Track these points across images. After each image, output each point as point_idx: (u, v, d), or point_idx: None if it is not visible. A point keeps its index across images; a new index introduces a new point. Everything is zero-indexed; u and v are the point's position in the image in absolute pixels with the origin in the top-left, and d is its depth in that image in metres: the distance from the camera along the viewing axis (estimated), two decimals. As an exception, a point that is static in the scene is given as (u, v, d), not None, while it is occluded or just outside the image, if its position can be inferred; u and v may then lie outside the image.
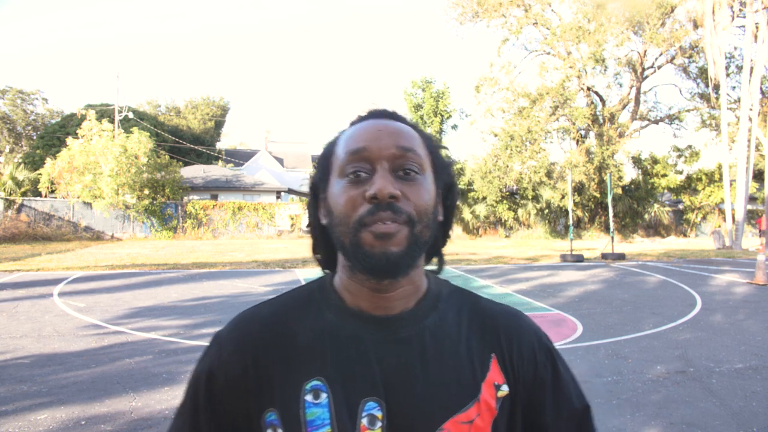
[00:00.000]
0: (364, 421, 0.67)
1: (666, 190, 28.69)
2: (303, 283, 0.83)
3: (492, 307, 0.80)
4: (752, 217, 28.01)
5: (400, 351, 0.71)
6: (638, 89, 27.07)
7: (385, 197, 0.66)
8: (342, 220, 0.69)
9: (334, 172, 0.73)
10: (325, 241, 0.77)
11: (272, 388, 0.70)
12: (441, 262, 0.82)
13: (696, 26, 22.33)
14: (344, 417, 0.67)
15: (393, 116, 0.76)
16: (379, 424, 0.67)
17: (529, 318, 0.81)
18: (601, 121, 26.07)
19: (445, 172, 0.78)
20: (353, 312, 0.73)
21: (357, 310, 0.73)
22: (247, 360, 0.71)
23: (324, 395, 0.68)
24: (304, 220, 25.97)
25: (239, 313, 0.78)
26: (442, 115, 25.75)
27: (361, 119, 0.76)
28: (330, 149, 0.76)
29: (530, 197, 25.84)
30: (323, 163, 0.76)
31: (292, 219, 25.38)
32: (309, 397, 0.68)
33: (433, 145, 0.78)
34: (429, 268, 0.81)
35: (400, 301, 0.73)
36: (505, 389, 0.73)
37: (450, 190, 0.79)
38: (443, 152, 0.80)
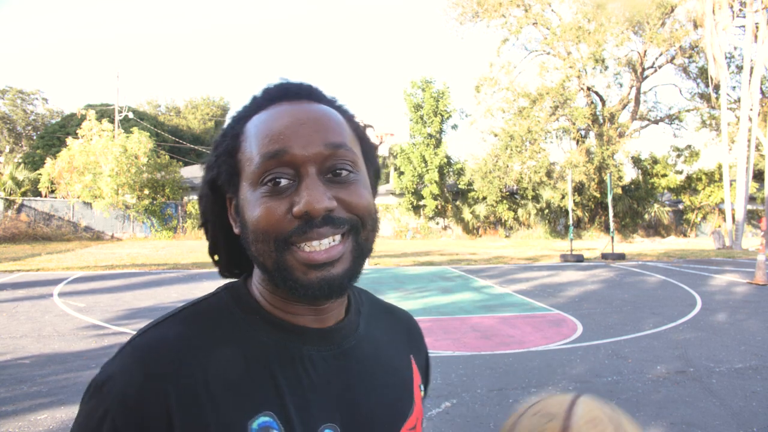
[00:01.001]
0: None
1: (666, 190, 28.70)
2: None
3: (393, 306, 0.78)
4: (752, 217, 28.01)
5: (346, 366, 0.62)
6: (638, 89, 27.09)
7: (320, 213, 0.54)
8: (260, 236, 0.56)
9: (246, 176, 0.58)
10: (227, 245, 0.66)
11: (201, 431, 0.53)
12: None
13: (696, 26, 22.34)
14: None
15: (311, 94, 0.62)
16: None
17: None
18: (601, 121, 26.08)
19: (374, 155, 0.67)
20: (289, 327, 0.61)
21: (292, 325, 0.61)
22: (158, 405, 0.53)
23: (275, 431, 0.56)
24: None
25: (129, 344, 0.59)
26: (442, 115, 25.74)
27: (270, 99, 0.61)
28: (235, 142, 0.61)
29: (530, 197, 25.84)
30: (229, 161, 0.61)
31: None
32: None
33: (359, 127, 0.66)
34: None
35: (335, 310, 0.64)
36: (422, 389, 0.72)
37: (376, 176, 0.69)
38: (369, 132, 0.68)
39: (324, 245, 0.55)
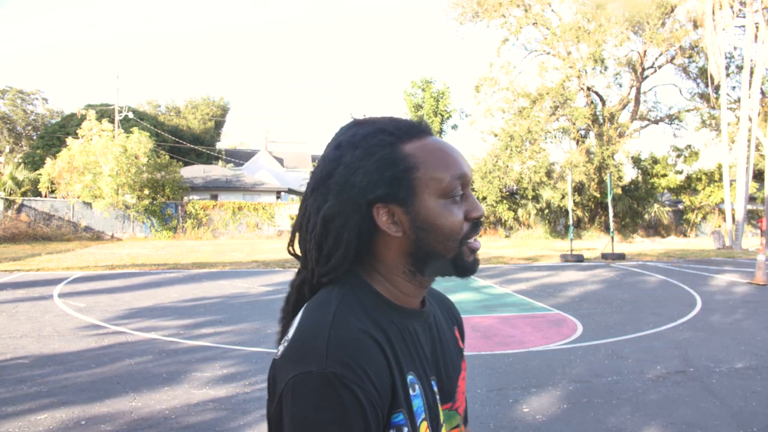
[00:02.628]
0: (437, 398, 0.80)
1: (666, 190, 28.69)
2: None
3: (435, 291, 1.01)
4: (752, 217, 28.01)
5: (433, 335, 0.85)
6: (638, 89, 27.08)
7: (482, 217, 0.81)
8: (449, 236, 0.77)
9: (431, 190, 0.77)
10: (350, 253, 0.78)
11: (395, 390, 0.71)
12: None
13: (696, 26, 22.34)
14: (430, 400, 0.77)
15: (430, 129, 0.85)
16: (437, 396, 0.80)
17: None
18: (601, 121, 26.08)
19: None
20: (403, 311, 0.81)
21: (405, 308, 0.81)
22: (371, 376, 0.67)
23: (417, 386, 0.76)
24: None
25: (324, 334, 0.69)
26: (442, 115, 25.75)
27: (412, 133, 0.80)
28: (406, 162, 0.76)
29: (530, 197, 25.84)
30: (407, 177, 0.76)
31: (292, 219, 25.36)
32: (410, 391, 0.75)
33: None
34: None
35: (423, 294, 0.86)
36: (463, 352, 0.94)
37: None
38: None
39: (478, 241, 0.82)
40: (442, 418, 0.80)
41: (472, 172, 0.83)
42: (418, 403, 0.74)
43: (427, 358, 0.81)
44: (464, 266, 0.80)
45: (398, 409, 0.71)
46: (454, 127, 27.08)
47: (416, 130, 0.81)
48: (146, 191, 23.70)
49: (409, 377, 0.75)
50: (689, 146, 28.34)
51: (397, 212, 0.77)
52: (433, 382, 0.80)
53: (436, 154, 0.78)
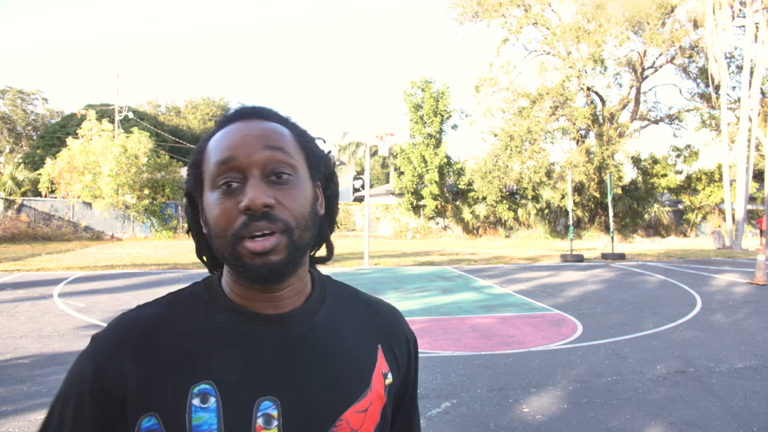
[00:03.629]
0: (260, 421, 0.67)
1: (666, 190, 28.69)
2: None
3: (371, 300, 0.85)
4: (752, 217, 28.01)
5: (294, 348, 0.71)
6: (638, 89, 27.09)
7: (259, 208, 0.65)
8: (218, 233, 0.68)
9: (207, 182, 0.71)
10: (208, 246, 0.76)
11: (151, 392, 0.66)
12: (329, 250, 0.84)
13: (696, 26, 22.35)
14: (234, 420, 0.66)
15: (260, 114, 0.74)
16: (275, 422, 0.67)
17: (399, 311, 0.88)
18: (601, 121, 26.08)
19: (321, 164, 0.78)
20: (244, 312, 0.72)
21: (248, 310, 0.72)
22: (126, 363, 0.67)
23: (212, 399, 0.66)
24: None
25: (119, 315, 0.73)
26: (442, 115, 25.73)
27: (226, 121, 0.73)
28: (199, 157, 0.74)
29: (530, 197, 25.84)
30: (195, 172, 0.74)
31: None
32: (196, 402, 0.66)
33: (305, 140, 0.76)
34: (320, 254, 0.84)
35: (290, 298, 0.74)
36: (390, 377, 0.78)
37: (329, 181, 0.80)
38: (318, 144, 0.79)
39: (262, 237, 0.66)
40: None
41: (252, 155, 0.67)
42: (206, 418, 0.65)
43: (263, 372, 0.69)
44: (245, 270, 0.67)
45: (147, 413, 0.66)
46: (454, 127, 27.06)
47: (229, 118, 0.74)
48: (146, 191, 23.68)
49: (201, 386, 0.66)
50: (689, 146, 28.36)
51: (201, 209, 0.74)
52: (266, 403, 0.67)
53: (217, 141, 0.71)
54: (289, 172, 0.69)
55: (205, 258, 0.80)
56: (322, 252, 0.83)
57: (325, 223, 0.80)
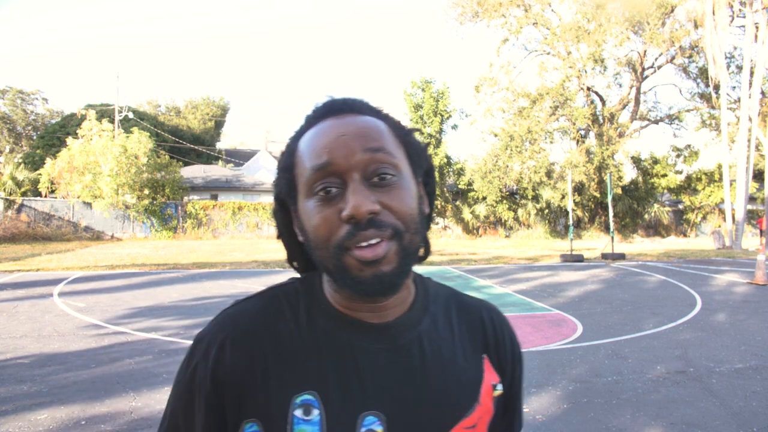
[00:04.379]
0: None
1: (666, 190, 28.69)
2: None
3: (474, 303, 0.78)
4: (752, 217, 28.01)
5: (399, 359, 0.66)
6: (638, 89, 27.08)
7: (364, 216, 0.59)
8: (319, 243, 0.62)
9: (301, 188, 0.65)
10: (302, 252, 0.72)
11: (255, 398, 0.63)
12: (427, 248, 0.75)
13: (696, 26, 22.33)
14: None
15: (353, 107, 0.67)
16: None
17: (505, 316, 0.79)
18: (601, 121, 26.08)
19: (421, 157, 0.71)
20: (346, 319, 0.67)
21: (350, 318, 0.67)
22: (230, 365, 0.65)
23: (316, 412, 0.62)
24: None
25: (221, 312, 0.71)
26: (442, 115, 25.73)
27: (317, 116, 0.68)
28: (290, 159, 0.68)
29: (530, 197, 25.84)
30: (287, 176, 0.68)
31: (292, 219, 25.39)
32: (299, 413, 0.62)
33: (403, 133, 0.70)
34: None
35: (395, 307, 0.68)
36: (500, 389, 0.72)
37: (429, 174, 0.73)
38: (415, 136, 0.72)
39: (373, 245, 0.60)
40: None
41: (351, 158, 0.61)
42: (309, 430, 0.61)
43: (366, 385, 0.64)
44: (354, 283, 0.61)
45: (250, 419, 0.63)
46: (454, 127, 27.07)
47: (319, 113, 0.68)
48: (146, 191, 23.69)
49: (304, 396, 0.63)
50: (689, 146, 28.36)
51: (296, 215, 0.69)
52: (369, 418, 0.63)
53: (309, 142, 0.65)
54: (392, 172, 0.63)
55: (296, 264, 0.76)
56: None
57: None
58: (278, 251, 17.27)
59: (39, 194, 25.20)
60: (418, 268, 0.76)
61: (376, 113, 0.69)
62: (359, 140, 0.62)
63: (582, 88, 25.66)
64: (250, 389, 0.64)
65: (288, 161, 0.69)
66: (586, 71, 24.80)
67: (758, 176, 26.08)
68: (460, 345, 0.71)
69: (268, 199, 29.33)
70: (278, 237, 0.76)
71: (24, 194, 26.03)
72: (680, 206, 29.50)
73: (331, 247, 0.61)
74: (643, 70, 26.67)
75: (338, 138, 0.63)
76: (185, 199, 25.95)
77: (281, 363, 0.65)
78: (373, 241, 0.60)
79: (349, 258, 0.60)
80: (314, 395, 0.63)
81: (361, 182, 0.61)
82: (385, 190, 0.62)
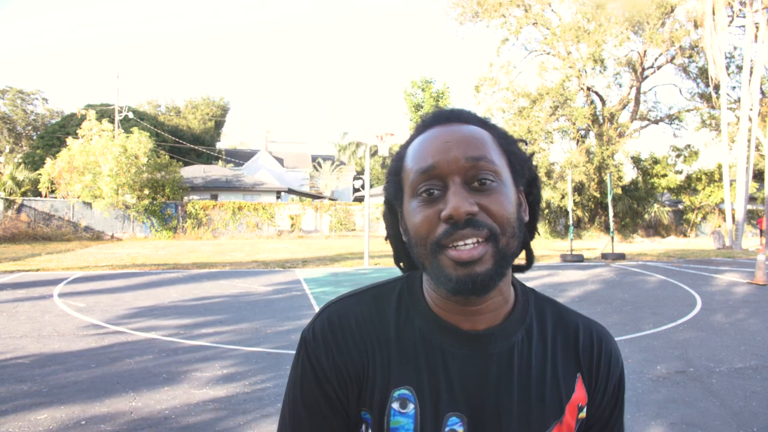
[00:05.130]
0: None
1: (666, 190, 28.68)
2: (387, 280, 0.80)
3: (578, 322, 0.77)
4: (752, 217, 28.01)
5: (487, 368, 0.69)
6: (638, 89, 27.07)
7: (462, 216, 0.62)
8: (419, 241, 0.66)
9: (407, 189, 0.70)
10: (407, 252, 0.76)
11: (365, 389, 0.70)
12: (530, 257, 0.79)
13: (696, 26, 22.33)
14: (427, 430, 0.67)
15: (459, 117, 0.72)
16: None
17: (611, 336, 0.78)
18: (601, 121, 26.07)
19: (524, 168, 0.74)
20: (441, 323, 0.71)
21: (444, 322, 0.71)
22: (340, 358, 0.71)
23: (411, 406, 0.68)
24: (304, 220, 26.01)
25: (328, 308, 0.75)
26: (442, 115, 25.74)
27: (425, 125, 0.73)
28: (399, 164, 0.73)
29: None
30: (395, 179, 0.73)
31: (292, 219, 25.37)
32: (396, 405, 0.68)
33: (507, 142, 0.73)
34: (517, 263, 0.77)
35: (488, 314, 0.70)
36: (584, 411, 0.72)
37: (533, 185, 0.76)
38: (520, 146, 0.75)
39: (468, 246, 0.63)
40: None
41: (454, 163, 0.65)
42: (404, 423, 0.67)
43: (453, 387, 0.68)
44: (447, 281, 0.64)
45: (364, 408, 0.70)
46: (454, 127, 27.10)
47: (427, 122, 0.73)
48: (146, 191, 23.69)
49: (402, 390, 0.69)
50: (689, 146, 28.34)
51: (402, 216, 0.73)
52: (453, 419, 0.67)
53: (416, 147, 0.70)
54: (492, 178, 0.66)
55: (402, 265, 0.81)
56: (520, 259, 0.78)
57: (526, 230, 0.76)
58: (278, 251, 17.27)
59: (39, 194, 25.20)
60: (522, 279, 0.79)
61: (482, 123, 0.73)
62: (462, 147, 0.66)
63: (582, 88, 25.65)
64: (363, 381, 0.70)
65: (396, 166, 0.74)
66: (586, 71, 24.80)
67: (758, 176, 26.07)
68: (552, 360, 0.72)
69: (269, 199, 29.34)
70: (386, 238, 0.81)
71: (24, 194, 26.03)
72: (680, 206, 29.50)
73: (428, 244, 0.65)
74: (643, 70, 26.66)
75: (443, 144, 0.67)
76: (185, 199, 25.95)
77: (384, 359, 0.70)
78: (470, 242, 0.63)
79: (444, 257, 0.64)
80: (410, 390, 0.69)
81: (461, 185, 0.65)
82: (485, 194, 0.65)
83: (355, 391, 0.71)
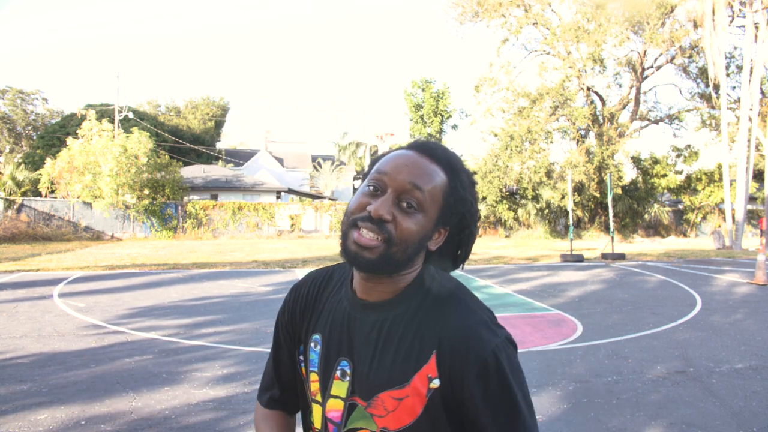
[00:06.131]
0: (338, 373, 0.91)
1: (666, 190, 28.67)
2: None
3: (451, 315, 0.86)
4: (752, 217, 27.99)
5: (369, 330, 0.89)
6: (638, 89, 27.06)
7: (377, 216, 0.83)
8: (348, 212, 0.87)
9: (367, 176, 0.90)
10: None
11: (303, 329, 1.00)
12: (453, 268, 1.01)
13: (696, 26, 22.32)
14: (325, 365, 0.93)
15: (432, 153, 0.90)
16: (347, 378, 0.90)
17: (485, 334, 0.84)
18: (601, 121, 26.06)
19: (454, 218, 0.91)
20: (350, 293, 0.94)
21: (353, 293, 0.93)
22: (302, 301, 1.02)
23: (318, 347, 0.95)
24: (304, 220, 26.00)
25: (312, 271, 1.07)
26: (442, 115, 25.74)
27: (409, 145, 0.93)
28: (377, 158, 0.94)
29: (530, 197, 25.83)
30: (370, 167, 0.93)
31: (292, 219, 25.36)
32: (311, 345, 0.96)
33: (454, 197, 0.90)
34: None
35: (378, 292, 0.90)
36: (436, 383, 0.83)
37: (461, 232, 0.94)
38: (468, 204, 0.92)
39: (367, 236, 0.83)
40: (333, 390, 0.91)
41: (398, 179, 0.85)
42: (313, 358, 0.95)
43: (346, 341, 0.91)
44: (343, 249, 0.86)
45: (301, 342, 1.00)
46: (454, 127, 27.09)
47: (408, 145, 0.94)
48: (146, 191, 23.68)
49: (316, 336, 0.96)
50: (689, 146, 28.33)
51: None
52: (344, 362, 0.90)
53: (390, 155, 0.91)
54: (415, 206, 0.85)
55: None
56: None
57: (448, 259, 0.97)
58: (278, 251, 17.26)
59: (39, 194, 25.19)
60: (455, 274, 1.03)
61: (450, 168, 0.90)
62: (411, 174, 0.86)
63: (582, 88, 25.64)
64: (302, 323, 1.00)
65: (375, 159, 0.95)
66: (586, 71, 24.79)
67: (758, 176, 26.06)
68: (416, 336, 0.86)
69: (269, 199, 29.32)
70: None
71: (24, 194, 26.02)
72: (680, 206, 29.49)
73: (350, 218, 0.86)
74: (643, 70, 26.65)
75: (402, 165, 0.87)
76: (185, 199, 25.94)
77: (316, 311, 0.99)
78: (371, 234, 0.83)
79: (352, 233, 0.85)
80: (320, 336, 0.95)
81: (392, 197, 0.85)
82: (403, 213, 0.84)
83: (297, 328, 1.00)
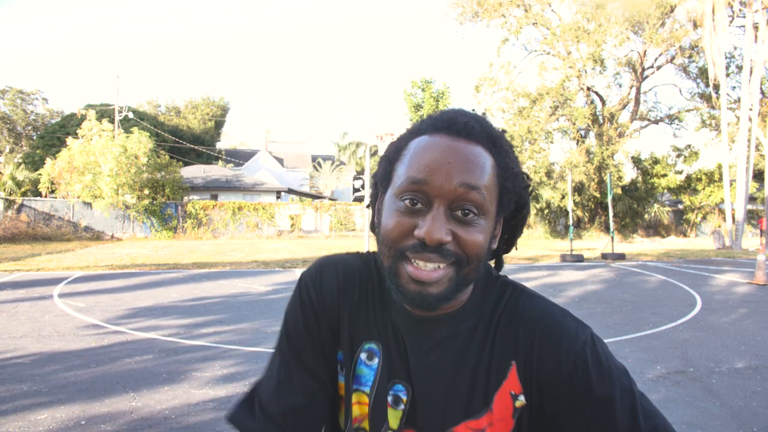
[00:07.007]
0: (389, 399, 0.73)
1: (666, 190, 28.68)
2: None
3: (529, 311, 0.73)
4: (752, 217, 28.00)
5: (433, 350, 0.73)
6: (638, 89, 27.06)
7: (433, 243, 0.64)
8: (386, 241, 0.68)
9: (393, 185, 0.70)
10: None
11: (343, 333, 0.77)
12: (498, 265, 0.81)
13: (696, 26, 22.32)
14: (379, 386, 0.74)
15: (471, 133, 0.68)
16: (402, 406, 0.73)
17: (571, 323, 0.72)
18: (601, 121, 26.07)
19: (512, 202, 0.74)
20: (400, 305, 0.75)
21: (402, 305, 0.75)
22: (338, 301, 0.77)
23: (377, 360, 0.75)
24: (304, 220, 26.00)
25: (323, 258, 0.82)
26: (442, 115, 25.72)
27: (435, 128, 0.69)
28: (396, 154, 0.72)
29: (530, 197, 25.84)
30: (387, 167, 0.73)
31: (292, 219, 25.37)
32: (363, 356, 0.75)
33: (505, 175, 0.71)
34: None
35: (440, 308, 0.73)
36: (521, 399, 0.70)
37: (516, 216, 0.78)
38: (519, 178, 0.74)
39: (429, 267, 0.65)
40: (391, 422, 0.73)
41: (446, 186, 0.64)
42: (366, 373, 0.75)
43: (400, 361, 0.74)
44: (397, 290, 0.67)
45: (340, 349, 0.78)
46: (454, 127, 27.07)
47: (439, 125, 0.70)
48: (146, 191, 23.69)
49: (371, 344, 0.76)
50: (689, 146, 28.34)
51: (380, 200, 0.75)
52: (399, 386, 0.73)
53: (418, 149, 0.69)
54: (476, 211, 0.66)
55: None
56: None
57: (501, 245, 0.79)
58: (278, 251, 17.26)
59: (39, 194, 25.20)
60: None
61: (492, 144, 0.70)
62: (461, 173, 0.65)
63: (582, 88, 25.65)
64: (341, 325, 0.77)
65: (394, 155, 0.73)
66: (586, 71, 24.80)
67: (758, 176, 26.07)
68: (490, 347, 0.72)
69: (269, 199, 29.33)
70: (368, 206, 0.85)
71: (24, 194, 26.03)
72: (680, 206, 29.50)
73: (394, 249, 0.67)
74: (643, 70, 26.66)
75: (444, 165, 0.65)
76: (185, 199, 25.94)
77: (363, 314, 0.77)
78: (431, 265, 0.65)
79: (404, 267, 0.66)
80: (378, 347, 0.75)
81: (444, 211, 0.65)
82: (463, 225, 0.66)
83: (326, 330, 0.77)
